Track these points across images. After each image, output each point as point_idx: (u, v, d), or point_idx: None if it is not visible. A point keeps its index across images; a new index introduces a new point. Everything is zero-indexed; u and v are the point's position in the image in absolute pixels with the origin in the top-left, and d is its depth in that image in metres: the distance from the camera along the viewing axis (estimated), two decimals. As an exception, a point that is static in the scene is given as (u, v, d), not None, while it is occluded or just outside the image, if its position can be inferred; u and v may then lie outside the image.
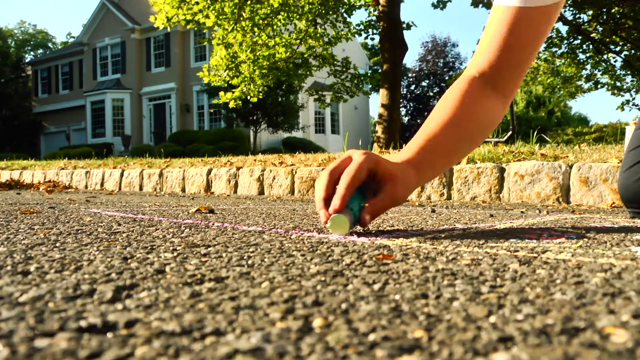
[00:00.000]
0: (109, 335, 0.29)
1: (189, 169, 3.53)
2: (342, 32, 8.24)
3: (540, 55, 10.11)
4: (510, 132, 3.65)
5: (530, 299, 0.37)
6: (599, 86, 10.97)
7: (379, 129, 7.21)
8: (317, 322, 0.31)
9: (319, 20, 7.80)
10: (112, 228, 0.89)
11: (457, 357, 0.25)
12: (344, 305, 0.35)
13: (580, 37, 9.50)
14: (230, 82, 7.62)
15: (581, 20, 9.25)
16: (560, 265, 0.51)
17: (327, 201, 0.75)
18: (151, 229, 0.88)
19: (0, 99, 20.61)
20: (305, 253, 0.60)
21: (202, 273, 0.47)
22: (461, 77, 0.95)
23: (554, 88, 11.40)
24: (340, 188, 0.73)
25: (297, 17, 7.49)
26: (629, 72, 10.13)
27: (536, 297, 0.38)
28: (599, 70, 10.51)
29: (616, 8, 8.34)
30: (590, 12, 8.76)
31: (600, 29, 9.07)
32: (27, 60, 24.64)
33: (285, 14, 7.32)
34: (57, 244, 0.66)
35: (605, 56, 9.86)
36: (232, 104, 7.63)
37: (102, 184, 4.12)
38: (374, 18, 8.41)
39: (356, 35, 8.92)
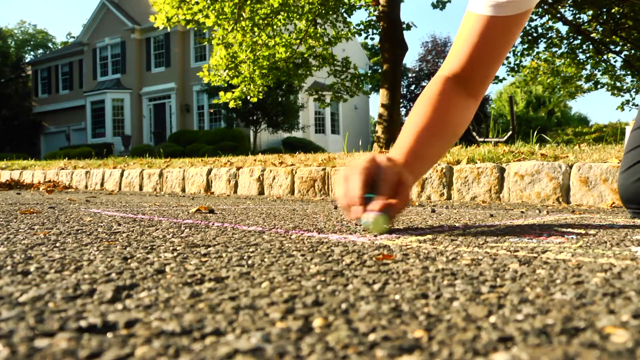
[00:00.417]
0: (109, 335, 0.29)
1: (189, 169, 3.53)
2: (342, 32, 8.23)
3: (540, 55, 10.12)
4: (510, 132, 3.64)
5: (530, 299, 0.37)
6: (599, 86, 10.97)
7: (379, 129, 7.21)
8: (317, 322, 0.31)
9: (319, 20, 7.80)
10: (112, 228, 0.89)
11: (457, 357, 0.25)
12: (344, 305, 0.35)
13: (580, 37, 9.50)
14: (230, 82, 7.62)
15: (581, 20, 9.25)
16: (560, 265, 0.51)
17: (362, 199, 0.78)
18: (151, 229, 0.88)
19: (0, 99, 20.60)
20: (305, 253, 0.60)
21: (202, 273, 0.47)
22: (435, 77, 0.99)
23: (554, 88, 11.40)
24: (385, 190, 0.77)
25: (297, 17, 7.49)
26: (629, 72, 10.13)
27: (536, 297, 0.38)
28: (599, 71, 10.51)
29: (616, 8, 8.34)
30: (590, 12, 8.76)
31: (600, 29, 9.07)
32: (27, 60, 24.64)
33: (285, 14, 7.32)
34: (57, 244, 0.66)
35: (605, 56, 9.86)
36: (232, 104, 7.63)
37: (102, 184, 4.12)
38: (374, 18, 8.41)
39: (356, 35, 8.92)
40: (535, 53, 10.00)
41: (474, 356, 0.25)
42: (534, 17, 9.39)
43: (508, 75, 10.46)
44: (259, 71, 7.40)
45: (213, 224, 0.97)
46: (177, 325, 0.30)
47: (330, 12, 7.67)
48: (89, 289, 0.40)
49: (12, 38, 31.83)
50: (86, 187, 4.23)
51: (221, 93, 7.62)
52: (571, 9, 8.96)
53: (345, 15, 8.15)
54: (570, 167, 2.03)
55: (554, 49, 9.91)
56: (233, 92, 7.53)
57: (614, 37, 9.06)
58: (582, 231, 0.86)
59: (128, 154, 14.39)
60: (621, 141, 3.31)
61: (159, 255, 0.57)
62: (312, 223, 1.01)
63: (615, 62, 10.15)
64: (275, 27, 7.41)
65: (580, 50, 9.81)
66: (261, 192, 3.06)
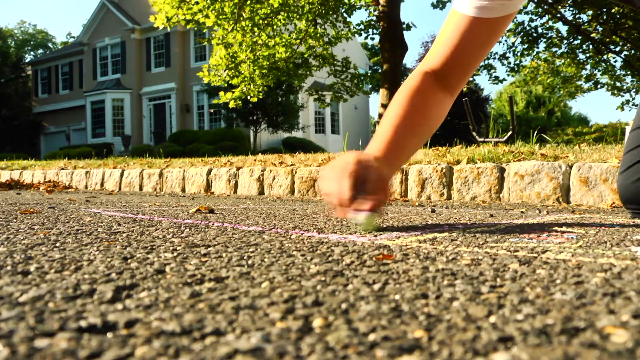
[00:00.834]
0: (109, 335, 0.29)
1: (189, 169, 3.53)
2: (342, 32, 8.23)
3: (540, 55, 10.12)
4: (510, 132, 3.64)
5: (530, 299, 0.37)
6: (598, 86, 10.97)
7: (379, 129, 7.20)
8: (317, 322, 0.31)
9: (319, 20, 7.80)
10: (112, 228, 0.89)
11: (457, 357, 0.25)
12: (344, 305, 0.35)
13: (580, 37, 9.50)
14: (230, 82, 7.62)
15: (581, 20, 9.25)
16: (560, 265, 0.51)
17: (352, 200, 0.81)
18: (151, 229, 0.88)
19: (0, 99, 20.60)
20: (305, 253, 0.60)
21: (202, 273, 0.47)
22: (415, 72, 1.02)
23: (554, 88, 11.40)
24: (373, 191, 0.81)
25: (297, 17, 7.49)
26: (628, 72, 10.13)
27: (536, 297, 0.38)
28: (599, 70, 10.51)
29: (616, 8, 8.34)
30: (590, 12, 8.76)
31: (600, 29, 9.07)
32: (27, 60, 24.63)
33: (285, 14, 7.32)
34: (57, 244, 0.66)
35: (605, 56, 9.86)
36: (232, 104, 7.63)
37: (102, 184, 4.12)
38: (374, 18, 8.41)
39: (356, 35, 8.92)
40: (535, 53, 10.00)
41: (474, 356, 0.25)
42: (534, 17, 9.40)
43: (508, 75, 10.46)
44: (259, 71, 7.40)
45: (213, 224, 0.97)
46: (177, 325, 0.30)
47: (330, 12, 7.66)
48: (89, 289, 0.40)
49: (12, 38, 31.83)
50: (86, 187, 4.23)
51: (221, 93, 7.62)
52: (571, 9, 8.96)
53: (345, 15, 8.15)
54: (570, 167, 2.03)
55: (554, 49, 9.91)
56: (233, 92, 7.53)
57: (614, 37, 9.06)
58: (582, 231, 0.86)
59: (128, 154, 14.39)
60: (621, 141, 3.31)
61: (159, 255, 0.57)
62: (312, 223, 1.01)
63: (615, 62, 10.15)
64: (275, 27, 7.41)
65: (580, 50, 9.81)
66: (261, 192, 3.06)
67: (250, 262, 0.53)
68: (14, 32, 32.90)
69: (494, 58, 9.98)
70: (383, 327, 0.30)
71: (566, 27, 9.41)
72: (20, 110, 21.15)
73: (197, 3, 6.79)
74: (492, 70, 10.01)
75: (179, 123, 17.57)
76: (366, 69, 20.31)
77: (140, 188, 3.82)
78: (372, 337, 0.28)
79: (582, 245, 0.67)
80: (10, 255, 0.56)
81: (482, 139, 3.76)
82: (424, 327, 0.30)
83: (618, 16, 8.56)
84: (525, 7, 9.21)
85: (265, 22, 7.24)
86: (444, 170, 2.33)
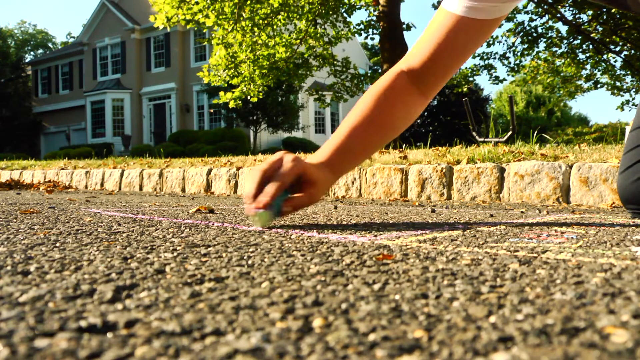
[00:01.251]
0: (109, 335, 0.29)
1: (189, 169, 3.53)
2: (342, 32, 8.24)
3: (540, 54, 10.12)
4: (510, 132, 3.64)
5: (530, 299, 0.37)
6: (598, 86, 10.97)
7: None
8: (317, 322, 0.31)
9: (319, 20, 7.80)
10: (112, 228, 0.89)
11: (457, 357, 0.25)
12: (344, 305, 0.35)
13: (580, 37, 9.50)
14: (230, 82, 7.61)
15: (581, 20, 9.25)
16: (560, 265, 0.51)
17: (255, 197, 0.85)
18: (151, 229, 0.88)
19: (0, 99, 20.60)
20: (305, 253, 0.60)
21: (202, 273, 0.47)
22: (391, 70, 1.01)
23: (554, 88, 11.40)
24: (271, 189, 0.83)
25: (297, 17, 7.49)
26: (628, 72, 10.13)
27: (536, 297, 0.38)
28: (599, 70, 10.51)
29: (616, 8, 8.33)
30: (590, 12, 8.75)
31: (600, 29, 9.07)
32: (27, 60, 24.64)
33: (285, 14, 7.32)
34: (57, 244, 0.66)
35: (605, 56, 9.86)
36: (232, 104, 7.62)
37: (102, 184, 4.12)
38: (374, 18, 8.41)
39: (356, 35, 8.92)
40: (535, 53, 10.00)
41: (474, 356, 0.25)
42: (534, 17, 9.40)
43: (508, 75, 10.46)
44: (259, 71, 7.40)
45: (213, 224, 0.97)
46: (177, 325, 0.30)
47: (331, 12, 7.67)
48: (89, 289, 0.40)
49: (12, 38, 31.82)
50: (86, 187, 4.23)
51: (221, 93, 7.62)
52: (571, 9, 8.96)
53: (345, 15, 8.15)
54: (570, 167, 2.03)
55: (554, 49, 9.91)
56: (233, 92, 7.52)
57: (614, 37, 9.06)
58: (582, 231, 0.86)
59: (128, 154, 14.39)
60: (621, 141, 3.31)
61: (159, 255, 0.57)
62: (312, 223, 1.01)
63: (615, 62, 10.15)
64: (275, 27, 7.41)
65: (580, 50, 9.81)
66: (261, 192, 3.05)
67: (250, 262, 0.53)
68: (14, 32, 32.90)
69: (494, 58, 9.98)
70: (383, 327, 0.30)
71: (566, 27, 9.41)
72: (20, 110, 21.15)
73: (197, 3, 6.79)
74: (493, 70, 10.01)
75: (179, 123, 17.57)
76: (366, 69, 20.30)
77: (140, 188, 3.82)
78: (372, 337, 0.28)
79: (582, 245, 0.67)
80: (10, 255, 0.56)
81: (482, 139, 3.76)
82: (424, 327, 0.30)
83: (618, 16, 8.56)
84: (525, 7, 9.22)
85: (265, 22, 7.24)
86: (444, 170, 2.33)
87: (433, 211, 1.46)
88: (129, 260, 0.54)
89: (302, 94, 16.11)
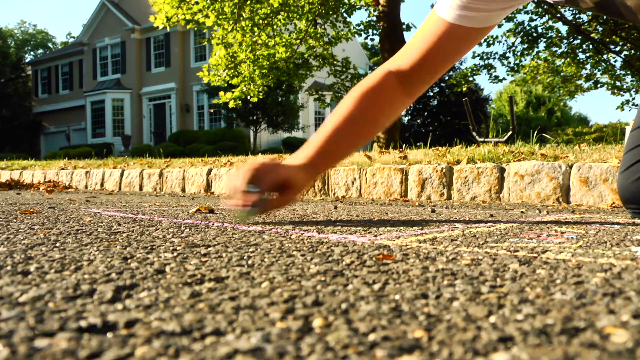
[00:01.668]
0: (109, 335, 0.29)
1: (189, 169, 3.53)
2: (342, 32, 8.23)
3: (540, 54, 10.12)
4: (510, 132, 3.64)
5: (530, 299, 0.37)
6: (598, 85, 10.97)
7: (379, 128, 7.20)
8: (317, 322, 0.31)
9: (319, 20, 7.80)
10: (112, 228, 0.89)
11: (457, 357, 0.25)
12: (344, 305, 0.35)
13: (580, 37, 9.50)
14: (230, 82, 7.61)
15: (581, 20, 9.25)
16: (560, 265, 0.51)
17: (242, 194, 0.89)
18: (151, 229, 0.88)
19: (0, 99, 20.60)
20: (305, 253, 0.60)
21: (202, 273, 0.47)
22: (378, 69, 1.06)
23: (554, 87, 11.40)
24: (256, 193, 0.89)
25: (297, 17, 7.48)
26: (628, 72, 10.13)
27: (536, 297, 0.38)
28: (599, 70, 10.51)
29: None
30: (590, 12, 8.75)
31: (600, 29, 9.07)
32: (27, 60, 24.63)
33: (285, 14, 7.31)
34: (57, 244, 0.66)
35: (605, 56, 9.85)
36: (232, 104, 7.62)
37: (102, 184, 4.12)
38: (374, 18, 8.41)
39: (356, 35, 8.92)
40: (535, 52, 10.00)
41: (474, 356, 0.25)
42: (534, 16, 9.40)
43: (508, 74, 10.46)
44: (259, 71, 7.40)
45: (213, 224, 0.97)
46: (177, 325, 0.30)
47: (331, 12, 7.66)
48: (89, 289, 0.40)
49: (12, 38, 31.81)
50: (86, 187, 4.23)
51: (221, 93, 7.61)
52: (571, 9, 8.96)
53: (345, 15, 8.15)
54: (570, 167, 2.03)
55: (554, 49, 9.91)
56: (233, 92, 7.52)
57: (613, 37, 9.06)
58: (582, 231, 0.86)
59: (128, 154, 14.39)
60: (621, 141, 3.31)
61: (159, 255, 0.57)
62: (312, 223, 1.01)
63: (615, 61, 10.15)
64: (275, 27, 7.41)
65: (580, 49, 9.81)
66: (261, 192, 3.05)
67: (250, 262, 0.53)
68: (14, 32, 32.89)
69: (494, 58, 9.98)
70: (383, 327, 0.30)
71: (566, 27, 9.41)
72: (20, 110, 21.15)
73: (197, 3, 6.79)
74: (492, 70, 10.01)
75: (179, 123, 17.56)
76: (366, 69, 20.30)
77: (140, 188, 3.82)
78: (372, 337, 0.28)
79: (582, 245, 0.67)
80: (10, 255, 0.56)
81: (482, 139, 3.76)
82: (424, 327, 0.30)
83: (618, 16, 8.54)
84: (525, 7, 9.21)
85: (265, 22, 7.24)
86: (444, 170, 2.33)
87: (433, 211, 1.46)
88: (129, 260, 0.54)
89: (302, 94, 16.10)
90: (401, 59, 1.03)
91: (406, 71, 1.02)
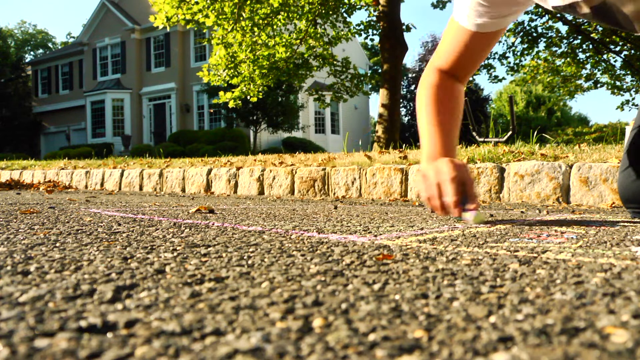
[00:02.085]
0: (109, 335, 0.29)
1: (189, 169, 3.53)
2: (342, 32, 8.23)
3: (540, 54, 10.12)
4: (510, 132, 3.64)
5: (530, 299, 0.37)
6: (598, 85, 10.97)
7: (379, 128, 7.21)
8: (317, 322, 0.31)
9: (319, 20, 7.80)
10: (112, 228, 0.89)
11: (457, 357, 0.25)
12: (344, 305, 0.35)
13: (580, 37, 9.50)
14: (230, 82, 7.61)
15: (581, 20, 9.25)
16: (560, 265, 0.51)
17: (457, 202, 0.94)
18: (151, 229, 0.88)
19: (0, 99, 20.60)
20: (305, 253, 0.60)
21: (202, 273, 0.47)
22: (429, 69, 1.19)
23: (554, 87, 11.40)
24: (472, 193, 0.96)
25: (297, 17, 7.48)
26: (628, 72, 10.13)
27: (536, 297, 0.38)
28: (599, 70, 10.51)
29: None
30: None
31: (600, 29, 9.06)
32: (27, 60, 24.63)
33: (285, 14, 7.31)
34: (57, 244, 0.66)
35: (605, 56, 9.85)
36: (232, 104, 7.62)
37: (102, 184, 4.12)
38: (374, 18, 8.41)
39: (356, 35, 8.91)
40: (535, 52, 10.00)
41: (474, 356, 0.25)
42: (534, 16, 9.40)
43: (508, 74, 10.46)
44: (259, 71, 7.40)
45: (213, 224, 0.97)
46: (177, 325, 0.30)
47: (331, 12, 7.66)
48: (89, 289, 0.40)
49: (12, 38, 31.81)
50: (86, 187, 4.23)
51: (221, 93, 7.61)
52: (571, 9, 8.94)
53: (345, 15, 8.15)
54: (570, 167, 2.03)
55: (554, 48, 9.91)
56: (233, 92, 7.52)
57: (613, 37, 9.06)
58: (582, 231, 0.86)
59: (128, 154, 14.39)
60: (621, 141, 3.31)
61: (159, 255, 0.57)
62: (312, 223, 1.01)
63: (615, 61, 10.15)
64: (275, 27, 7.41)
65: (580, 49, 9.81)
66: (261, 192, 3.06)
67: (250, 262, 0.53)
68: (14, 32, 32.89)
69: (494, 58, 9.99)
70: (383, 327, 0.30)
71: (566, 27, 9.41)
72: (20, 110, 21.14)
73: (197, 3, 6.79)
74: (492, 70, 10.01)
75: (179, 123, 17.56)
76: (366, 69, 20.30)
77: (140, 188, 3.82)
78: (372, 337, 0.28)
79: (582, 245, 0.67)
80: (10, 255, 0.56)
81: (482, 139, 3.76)
82: (424, 327, 0.30)
83: (618, 16, 8.54)
84: (525, 7, 9.19)
85: (265, 22, 7.24)
86: (444, 170, 2.33)
87: (433, 211, 1.46)
88: (129, 260, 0.54)
89: (302, 94, 16.10)
90: (439, 62, 1.17)
91: (448, 69, 1.16)
